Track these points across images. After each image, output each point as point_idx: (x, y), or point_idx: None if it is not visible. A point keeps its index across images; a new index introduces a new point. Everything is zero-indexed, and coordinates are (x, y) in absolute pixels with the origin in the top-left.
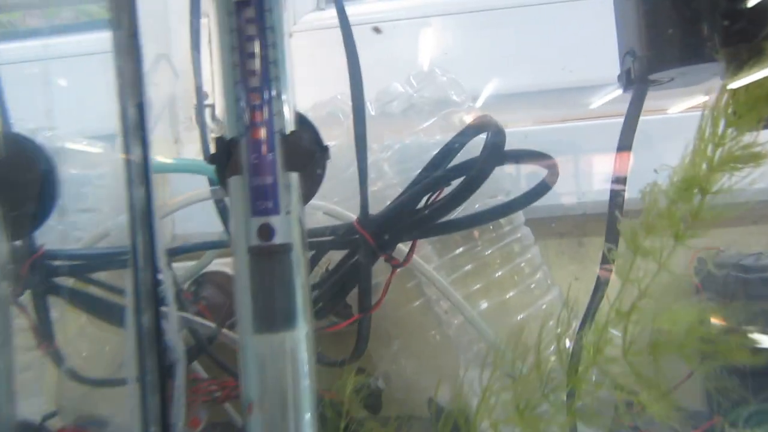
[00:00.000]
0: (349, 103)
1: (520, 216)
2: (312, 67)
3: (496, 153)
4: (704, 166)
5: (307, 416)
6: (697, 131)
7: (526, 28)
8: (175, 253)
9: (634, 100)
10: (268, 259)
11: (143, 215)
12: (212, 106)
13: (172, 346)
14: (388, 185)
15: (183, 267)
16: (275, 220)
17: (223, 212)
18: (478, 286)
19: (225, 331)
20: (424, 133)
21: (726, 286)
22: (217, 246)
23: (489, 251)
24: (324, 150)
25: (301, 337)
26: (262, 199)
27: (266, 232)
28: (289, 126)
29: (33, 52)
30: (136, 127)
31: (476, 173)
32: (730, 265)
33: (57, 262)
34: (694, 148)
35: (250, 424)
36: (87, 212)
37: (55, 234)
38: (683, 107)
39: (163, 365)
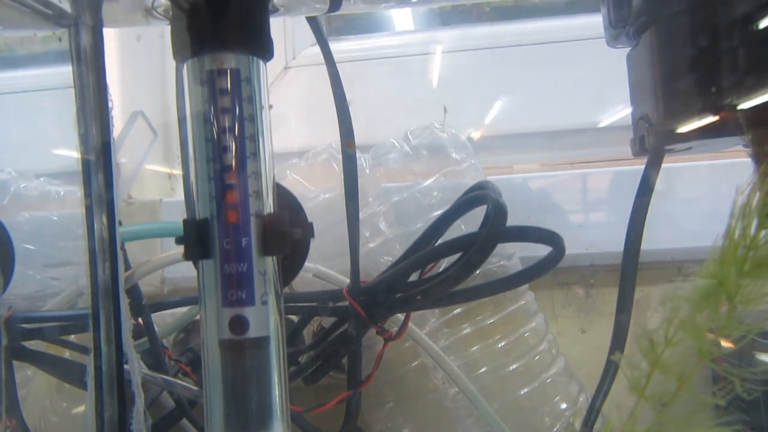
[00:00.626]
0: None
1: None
2: (310, 102)
3: (497, 231)
4: (733, 271)
5: None
6: (726, 231)
7: (532, 67)
8: (160, 308)
9: (650, 167)
10: (240, 354)
11: (106, 293)
12: None
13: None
14: (384, 241)
15: (172, 314)
16: (249, 312)
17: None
18: (477, 353)
19: None
20: (419, 194)
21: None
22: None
23: (491, 321)
24: (308, 228)
25: None
26: (235, 289)
27: (239, 325)
28: (267, 206)
29: None
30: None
31: (475, 255)
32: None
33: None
34: (723, 249)
35: None
36: (66, 266)
37: (35, 284)
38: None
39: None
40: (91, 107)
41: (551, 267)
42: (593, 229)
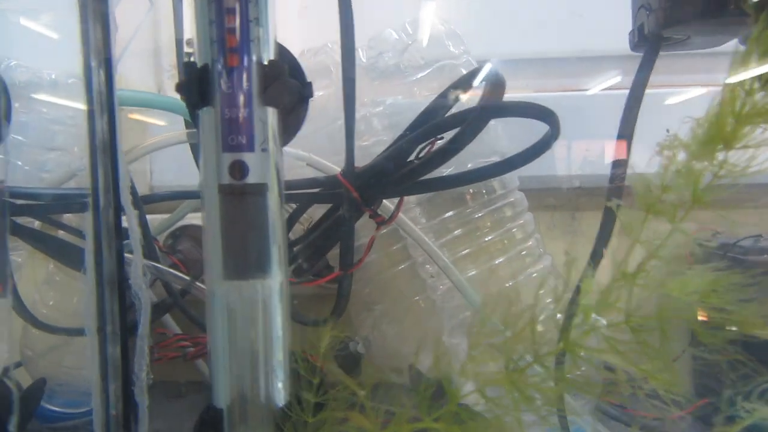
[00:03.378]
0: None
1: (513, 179)
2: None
3: (495, 103)
4: (730, 120)
5: (280, 373)
6: (724, 84)
7: None
8: (150, 201)
9: (646, 59)
10: (240, 199)
11: (105, 147)
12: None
13: (135, 293)
14: (377, 141)
15: (158, 219)
16: (249, 158)
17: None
18: (466, 251)
19: (199, 284)
20: (417, 86)
21: None
22: (194, 196)
23: (479, 214)
24: (307, 86)
25: (274, 286)
26: (235, 134)
27: (238, 169)
28: (269, 55)
29: None
30: (98, 50)
31: (471, 123)
32: (727, 247)
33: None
34: (722, 98)
35: (217, 342)
36: (55, 151)
37: (20, 173)
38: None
39: (125, 313)
40: None
41: (546, 148)
42: (582, 152)
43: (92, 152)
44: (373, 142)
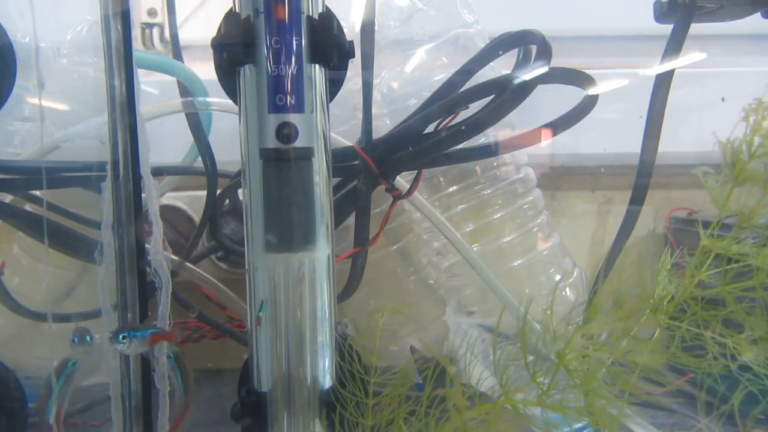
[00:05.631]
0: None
1: (522, 155)
2: None
3: (544, 70)
4: None
5: (326, 354)
6: None
7: None
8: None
9: (678, 28)
10: (286, 165)
11: (124, 112)
12: (161, 26)
13: (155, 271)
14: (377, 115)
15: None
16: (297, 119)
17: (197, 129)
18: (473, 226)
19: (189, 265)
20: (427, 54)
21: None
22: (184, 171)
23: (490, 190)
24: (350, 45)
25: (322, 259)
26: (283, 93)
27: (287, 132)
28: (317, 7)
29: None
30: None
31: (518, 88)
32: (706, 225)
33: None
34: None
35: (258, 337)
36: (28, 122)
37: None
38: None
39: (145, 292)
40: None
41: (584, 115)
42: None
43: (111, 112)
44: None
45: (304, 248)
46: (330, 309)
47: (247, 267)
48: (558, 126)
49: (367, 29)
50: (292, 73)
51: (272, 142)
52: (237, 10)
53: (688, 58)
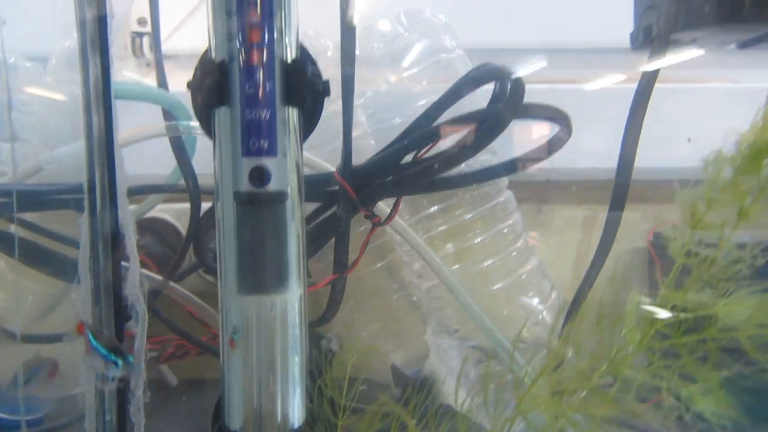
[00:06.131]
0: (321, 40)
1: (503, 178)
2: None
3: (516, 104)
4: None
5: (297, 391)
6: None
7: None
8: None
9: (653, 59)
10: (259, 207)
11: (102, 146)
12: (150, 35)
13: (131, 304)
14: (361, 135)
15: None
16: (270, 162)
17: (180, 152)
18: (453, 249)
19: (173, 284)
20: (409, 81)
21: None
22: (168, 190)
23: (470, 215)
24: (324, 85)
25: (293, 300)
26: (257, 137)
27: (260, 175)
28: (292, 52)
29: None
30: (93, 41)
31: (492, 123)
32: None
33: None
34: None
35: (231, 360)
36: (10, 142)
37: None
38: None
39: (122, 325)
40: None
41: (557, 149)
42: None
43: (89, 149)
44: (357, 135)
45: (276, 290)
46: (301, 349)
47: (219, 306)
48: (531, 159)
49: (347, 56)
50: (265, 117)
51: (245, 186)
52: (212, 55)
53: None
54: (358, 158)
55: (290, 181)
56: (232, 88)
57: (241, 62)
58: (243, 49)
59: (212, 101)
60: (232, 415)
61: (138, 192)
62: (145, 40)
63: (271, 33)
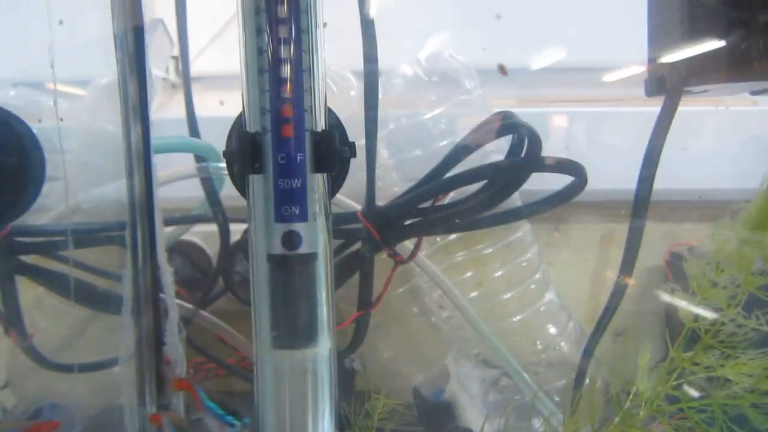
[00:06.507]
0: (343, 74)
1: None
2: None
3: (535, 158)
4: None
5: None
6: None
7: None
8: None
9: (666, 108)
10: (291, 269)
11: (142, 207)
12: (176, 58)
13: (172, 352)
14: (381, 167)
15: None
16: (301, 228)
17: (211, 193)
18: (473, 281)
19: (203, 313)
20: (429, 122)
21: None
22: (198, 220)
23: (490, 250)
24: (351, 147)
25: (324, 354)
26: (288, 204)
27: (292, 240)
28: (320, 123)
29: None
30: (135, 110)
31: (511, 178)
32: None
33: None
34: None
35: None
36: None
37: None
38: None
39: (161, 375)
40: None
41: (572, 197)
42: None
43: (131, 213)
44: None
45: (307, 345)
46: (331, 398)
47: (254, 360)
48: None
49: (370, 101)
50: (296, 186)
51: (278, 249)
52: (246, 127)
53: None
54: (379, 189)
55: (320, 242)
56: (266, 158)
57: (274, 135)
58: (276, 123)
59: (247, 170)
60: None
61: (169, 223)
62: (171, 64)
63: (301, 108)
